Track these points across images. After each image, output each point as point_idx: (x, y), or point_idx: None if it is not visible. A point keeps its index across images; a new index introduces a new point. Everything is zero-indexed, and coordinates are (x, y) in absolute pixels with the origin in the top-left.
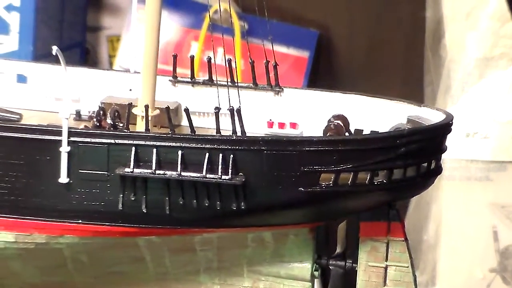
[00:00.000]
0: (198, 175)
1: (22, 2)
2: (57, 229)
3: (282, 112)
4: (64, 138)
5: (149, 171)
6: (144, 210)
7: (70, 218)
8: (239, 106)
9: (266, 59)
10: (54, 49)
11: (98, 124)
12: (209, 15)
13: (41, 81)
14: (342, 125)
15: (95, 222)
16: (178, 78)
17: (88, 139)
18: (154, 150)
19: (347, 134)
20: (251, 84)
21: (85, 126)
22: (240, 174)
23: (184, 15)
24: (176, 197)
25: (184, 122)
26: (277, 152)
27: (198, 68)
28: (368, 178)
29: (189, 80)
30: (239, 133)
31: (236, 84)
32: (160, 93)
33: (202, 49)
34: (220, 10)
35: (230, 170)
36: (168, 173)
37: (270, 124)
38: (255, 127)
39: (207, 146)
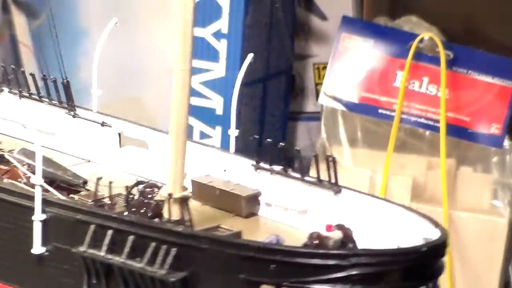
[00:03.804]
0: (138, 265)
1: (230, 29)
2: None
3: (340, 214)
4: (37, 206)
5: (101, 254)
6: None
7: None
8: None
9: (332, 158)
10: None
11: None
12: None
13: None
14: (332, 236)
15: None
16: (260, 164)
17: (57, 210)
18: (109, 231)
19: (350, 245)
20: (316, 180)
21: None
22: (182, 271)
23: (390, 44)
24: (121, 286)
25: (261, 212)
26: (219, 253)
27: (402, 97)
28: None
29: (268, 167)
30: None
31: (302, 179)
32: (242, 177)
33: (407, 78)
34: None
35: (168, 265)
36: (115, 258)
37: (329, 227)
38: (315, 228)
39: (153, 235)
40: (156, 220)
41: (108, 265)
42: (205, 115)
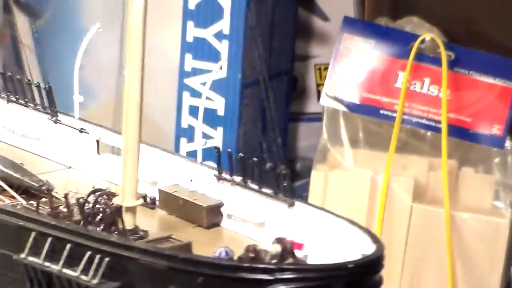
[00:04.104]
0: (74, 274)
1: (232, 29)
2: None
3: (294, 227)
4: None
5: (39, 261)
6: None
7: None
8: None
9: (284, 170)
10: None
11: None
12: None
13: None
14: (269, 250)
15: None
16: (222, 175)
17: (2, 216)
18: (49, 239)
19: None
20: (272, 193)
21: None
22: (115, 281)
23: (392, 45)
24: None
25: (224, 223)
26: (150, 263)
27: (404, 98)
28: None
29: (229, 178)
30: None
31: (260, 191)
32: (208, 188)
33: (409, 79)
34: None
35: (100, 274)
36: (53, 267)
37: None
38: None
39: (89, 244)
40: (97, 228)
41: (48, 273)
42: (206, 116)
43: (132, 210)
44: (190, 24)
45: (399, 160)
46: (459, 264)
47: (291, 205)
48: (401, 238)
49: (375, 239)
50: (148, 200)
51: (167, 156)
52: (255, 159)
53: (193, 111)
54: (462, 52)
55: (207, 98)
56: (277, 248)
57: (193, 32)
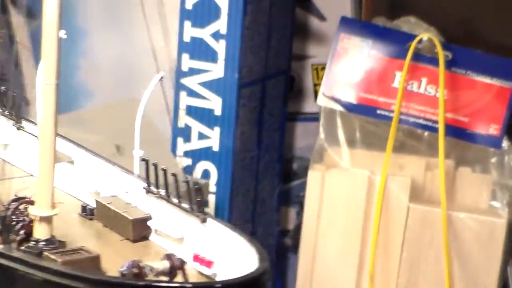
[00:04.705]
0: None
1: (229, 29)
2: None
3: (205, 243)
4: None
5: None
6: None
7: None
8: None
9: (198, 184)
10: None
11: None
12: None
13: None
14: (154, 266)
15: None
16: (151, 188)
17: None
18: None
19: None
20: (189, 208)
21: None
22: None
23: (389, 45)
24: None
25: (152, 237)
26: (27, 275)
27: (401, 98)
28: None
29: (155, 191)
30: None
31: (179, 205)
32: (135, 199)
33: (406, 79)
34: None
35: None
36: None
37: (195, 257)
38: (188, 256)
39: None
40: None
41: None
42: (203, 116)
43: (47, 219)
44: (187, 23)
45: (396, 160)
46: (456, 264)
47: (204, 221)
48: (398, 238)
49: (261, 258)
50: (88, 211)
51: (107, 167)
52: (174, 173)
53: (190, 111)
54: (460, 52)
55: (204, 98)
56: (165, 265)
57: (190, 32)
